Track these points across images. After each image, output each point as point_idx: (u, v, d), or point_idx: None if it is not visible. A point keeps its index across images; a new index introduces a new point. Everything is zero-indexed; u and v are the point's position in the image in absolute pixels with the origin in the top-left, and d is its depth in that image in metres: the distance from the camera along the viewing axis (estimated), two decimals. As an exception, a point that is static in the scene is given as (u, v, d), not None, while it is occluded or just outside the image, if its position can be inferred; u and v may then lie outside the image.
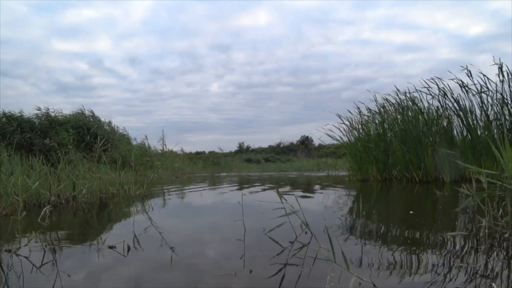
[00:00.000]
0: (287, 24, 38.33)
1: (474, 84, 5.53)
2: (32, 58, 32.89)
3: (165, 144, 12.35)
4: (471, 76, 5.53)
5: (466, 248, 1.73)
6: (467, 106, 5.72)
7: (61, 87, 33.26)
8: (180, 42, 39.20)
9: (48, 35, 32.22)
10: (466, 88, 5.62)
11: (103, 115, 12.40)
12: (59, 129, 9.05)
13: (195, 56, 40.61)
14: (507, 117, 5.33)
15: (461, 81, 5.65)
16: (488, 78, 5.40)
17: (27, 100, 31.05)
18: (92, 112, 10.73)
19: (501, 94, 5.29)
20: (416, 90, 6.32)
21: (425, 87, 6.07)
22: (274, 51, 41.25)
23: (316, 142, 27.33)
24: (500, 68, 5.26)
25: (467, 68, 5.53)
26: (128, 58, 39.33)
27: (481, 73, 5.45)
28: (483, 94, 5.47)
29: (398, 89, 6.66)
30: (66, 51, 32.75)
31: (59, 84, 33.72)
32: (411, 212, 2.99)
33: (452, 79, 5.72)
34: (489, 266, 1.42)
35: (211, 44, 41.21)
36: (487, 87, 5.42)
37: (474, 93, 5.53)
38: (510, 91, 5.27)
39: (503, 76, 5.27)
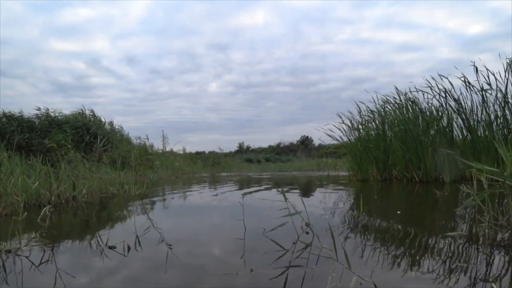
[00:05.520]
0: (286, 23, 38.31)
1: (478, 80, 5.52)
2: (30, 57, 32.87)
3: (167, 143, 12.38)
4: (477, 72, 5.50)
5: (466, 248, 1.73)
6: (468, 105, 5.73)
7: (59, 87, 33.27)
8: (178, 41, 39.17)
9: (45, 35, 32.23)
10: (469, 86, 5.60)
11: (103, 115, 12.39)
12: (56, 130, 9.03)
13: (193, 55, 40.59)
14: (508, 116, 5.33)
15: (465, 77, 5.64)
16: (493, 75, 5.38)
17: (27, 100, 31.06)
18: (92, 111, 10.75)
19: (505, 92, 5.26)
20: (414, 90, 6.33)
21: (427, 87, 6.08)
22: (272, 50, 41.24)
23: (316, 142, 27.37)
24: (509, 64, 5.21)
25: (474, 65, 5.51)
26: (126, 57, 39.29)
27: (486, 67, 5.43)
28: (485, 93, 5.46)
29: (397, 89, 6.68)
30: (64, 50, 32.72)
31: (57, 84, 33.73)
32: (406, 212, 2.99)
33: (458, 77, 5.72)
34: (490, 266, 1.41)
35: (209, 43, 41.21)
36: (490, 85, 5.41)
37: (477, 90, 5.51)
38: None
39: (510, 72, 5.22)
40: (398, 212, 2.96)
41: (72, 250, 1.84)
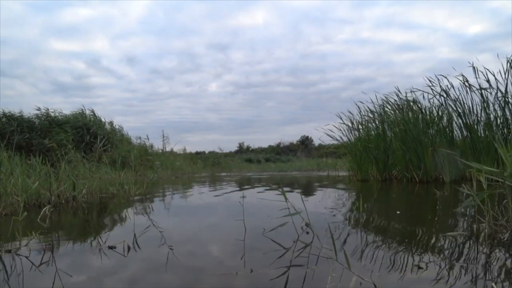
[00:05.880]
0: (285, 23, 38.34)
1: (477, 79, 5.51)
2: (30, 57, 32.88)
3: (168, 143, 12.40)
4: (477, 71, 5.51)
5: (466, 248, 1.73)
6: (468, 105, 5.72)
7: (59, 87, 33.29)
8: (178, 41, 39.18)
9: (45, 35, 32.25)
10: (469, 86, 5.60)
11: (103, 115, 12.38)
12: (58, 129, 9.03)
13: (193, 55, 40.60)
14: (508, 116, 5.33)
15: (464, 76, 5.64)
16: (493, 75, 5.38)
17: (26, 100, 31.06)
18: (93, 111, 10.74)
19: (504, 92, 5.25)
20: (413, 89, 6.34)
21: (427, 86, 6.08)
22: (272, 50, 41.28)
23: (316, 142, 27.39)
24: (509, 62, 5.20)
25: (473, 65, 5.51)
26: (125, 57, 39.29)
27: (486, 68, 5.44)
28: (484, 92, 5.46)
29: (398, 89, 6.68)
30: (64, 50, 32.71)
31: (57, 84, 33.76)
32: (406, 212, 2.99)
33: (456, 76, 5.73)
34: (489, 266, 1.42)
35: (209, 43, 41.24)
36: (490, 85, 5.41)
37: (477, 89, 5.51)
38: None
39: (510, 72, 5.21)
40: (398, 212, 2.96)
41: (72, 250, 1.84)
